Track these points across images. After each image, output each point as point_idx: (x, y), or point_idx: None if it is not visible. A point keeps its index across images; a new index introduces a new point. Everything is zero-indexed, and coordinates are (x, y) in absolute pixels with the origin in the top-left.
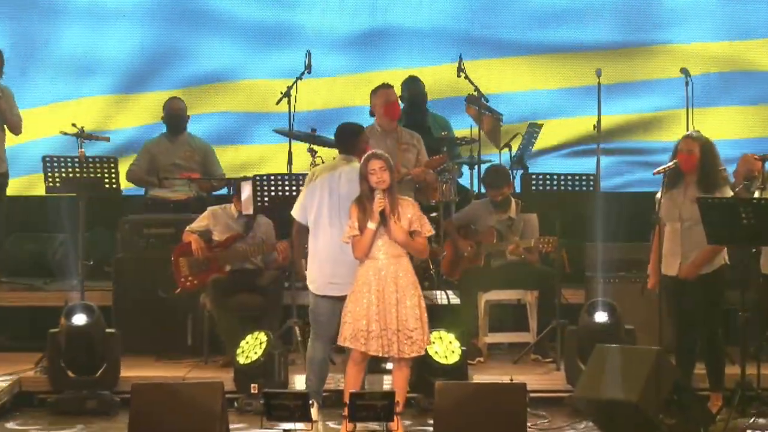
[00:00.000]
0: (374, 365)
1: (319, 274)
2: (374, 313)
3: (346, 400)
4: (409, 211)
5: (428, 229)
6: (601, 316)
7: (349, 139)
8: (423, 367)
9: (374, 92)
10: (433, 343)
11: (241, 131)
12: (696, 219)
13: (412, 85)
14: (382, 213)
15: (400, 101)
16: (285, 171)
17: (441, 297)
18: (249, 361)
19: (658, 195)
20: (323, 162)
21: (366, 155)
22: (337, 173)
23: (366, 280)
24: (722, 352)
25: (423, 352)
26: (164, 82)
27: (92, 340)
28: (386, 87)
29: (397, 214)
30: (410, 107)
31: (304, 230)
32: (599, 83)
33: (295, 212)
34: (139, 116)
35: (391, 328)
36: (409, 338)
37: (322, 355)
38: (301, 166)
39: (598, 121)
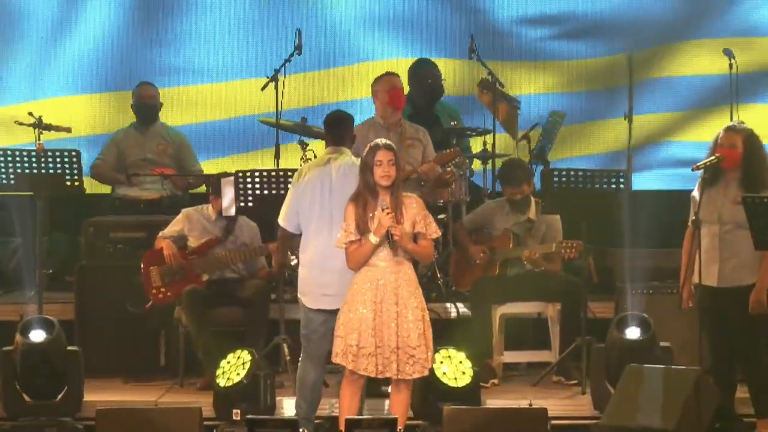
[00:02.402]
0: (374, 388)
1: (312, 285)
2: (369, 327)
3: (342, 427)
4: (413, 211)
5: (434, 231)
6: (632, 332)
7: (339, 127)
8: (429, 390)
9: (378, 80)
10: (441, 362)
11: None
12: (738, 222)
13: (419, 67)
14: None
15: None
16: (272, 166)
17: (450, 310)
18: (230, 383)
19: (695, 193)
20: (315, 156)
21: (372, 144)
22: (328, 167)
23: (361, 290)
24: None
25: (426, 373)
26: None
27: (52, 360)
28: (391, 74)
29: (400, 214)
30: (416, 90)
31: (291, 239)
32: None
33: (282, 218)
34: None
35: (389, 346)
36: (410, 357)
37: (314, 376)
38: (291, 161)
39: (630, 111)
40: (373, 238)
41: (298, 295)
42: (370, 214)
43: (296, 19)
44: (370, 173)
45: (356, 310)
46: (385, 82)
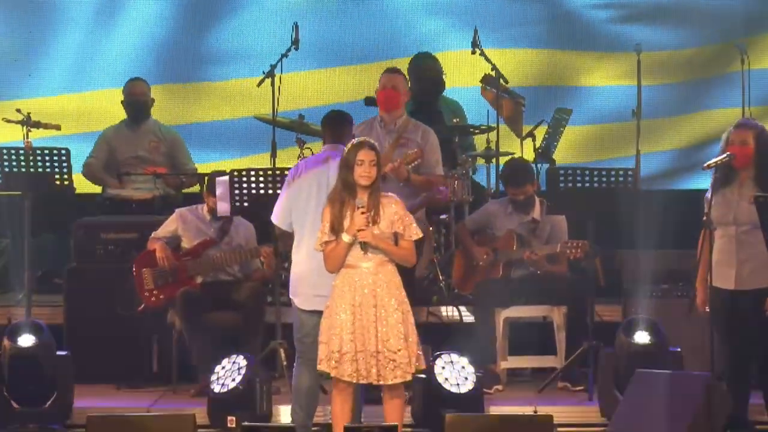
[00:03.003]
0: (372, 394)
1: (304, 286)
2: (348, 332)
3: None
4: (391, 210)
5: (414, 232)
6: (641, 337)
7: (339, 125)
8: (430, 397)
9: (381, 75)
10: (443, 368)
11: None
12: (755, 222)
13: (419, 61)
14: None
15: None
16: (268, 165)
17: (452, 314)
18: (225, 389)
19: (708, 194)
20: (313, 154)
21: (356, 141)
22: (326, 166)
23: (341, 293)
24: None
25: (409, 378)
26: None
27: (41, 365)
28: (390, 72)
29: (377, 215)
30: (418, 86)
31: (288, 237)
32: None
33: (276, 216)
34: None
35: (368, 350)
36: (391, 361)
37: (309, 382)
38: (288, 160)
39: (638, 105)
40: (346, 237)
41: (290, 297)
42: (348, 214)
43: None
44: (350, 171)
45: (337, 314)
46: (382, 79)
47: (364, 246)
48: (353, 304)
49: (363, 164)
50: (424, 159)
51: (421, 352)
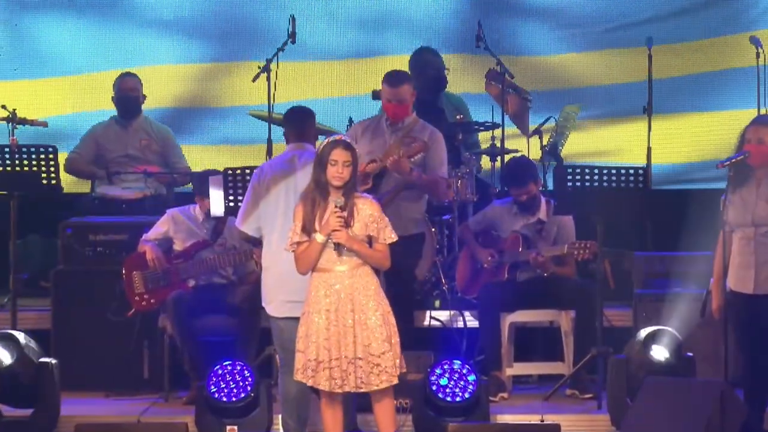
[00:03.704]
0: (366, 402)
1: (276, 292)
2: (323, 338)
3: None
4: (365, 213)
5: (387, 236)
6: (659, 352)
7: (301, 122)
8: (432, 406)
9: (383, 81)
10: (445, 375)
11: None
12: None
13: (420, 56)
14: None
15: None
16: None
17: (455, 318)
18: (220, 397)
19: (724, 196)
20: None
21: (331, 139)
22: (291, 166)
23: (316, 298)
24: None
25: (395, 381)
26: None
27: (24, 371)
28: (391, 84)
29: (351, 217)
30: (418, 82)
31: (257, 243)
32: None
33: (241, 222)
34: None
35: (346, 357)
36: (376, 366)
37: (296, 389)
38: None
39: (649, 103)
40: (319, 237)
41: (263, 304)
42: (318, 213)
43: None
44: (323, 170)
45: (312, 321)
46: (385, 92)
47: (338, 247)
48: (328, 309)
49: (336, 164)
50: (429, 159)
51: (401, 355)
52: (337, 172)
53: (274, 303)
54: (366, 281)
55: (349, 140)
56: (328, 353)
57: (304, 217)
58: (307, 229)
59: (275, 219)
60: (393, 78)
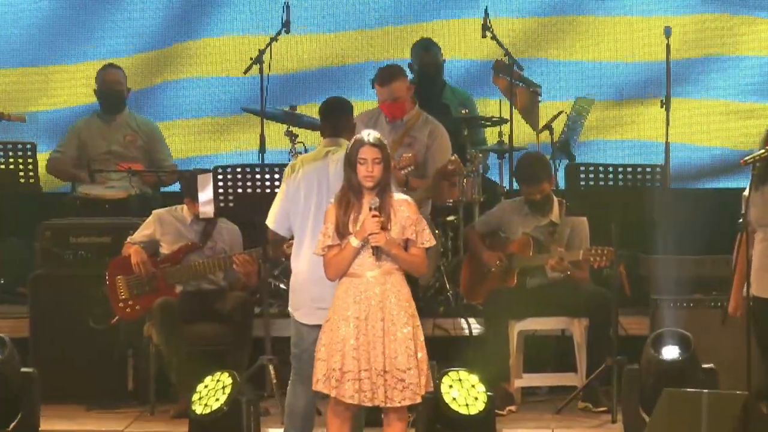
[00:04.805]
0: (374, 416)
1: (305, 297)
2: (352, 348)
3: None
4: (403, 215)
5: (427, 239)
6: (670, 352)
7: (337, 116)
8: (437, 419)
9: (378, 76)
10: (450, 387)
11: (198, 106)
12: None
13: (423, 53)
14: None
15: (409, 71)
16: (256, 161)
17: (461, 326)
18: (209, 410)
19: (747, 193)
20: (306, 149)
21: (357, 137)
22: (325, 162)
23: (343, 304)
24: None
25: (418, 400)
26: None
27: (4, 383)
28: (382, 82)
29: (388, 219)
30: (420, 80)
31: (282, 243)
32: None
33: (272, 221)
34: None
35: (375, 369)
36: (400, 381)
37: (305, 402)
38: (278, 156)
39: (667, 99)
40: (354, 241)
41: (290, 309)
42: (352, 216)
43: None
44: (353, 171)
45: (338, 328)
46: (378, 92)
47: (377, 252)
48: (357, 317)
49: (365, 163)
50: (431, 159)
51: (429, 373)
52: (367, 171)
53: (304, 308)
54: (399, 289)
55: (379, 135)
56: (357, 364)
57: (337, 219)
58: (341, 233)
59: (306, 220)
60: (383, 76)
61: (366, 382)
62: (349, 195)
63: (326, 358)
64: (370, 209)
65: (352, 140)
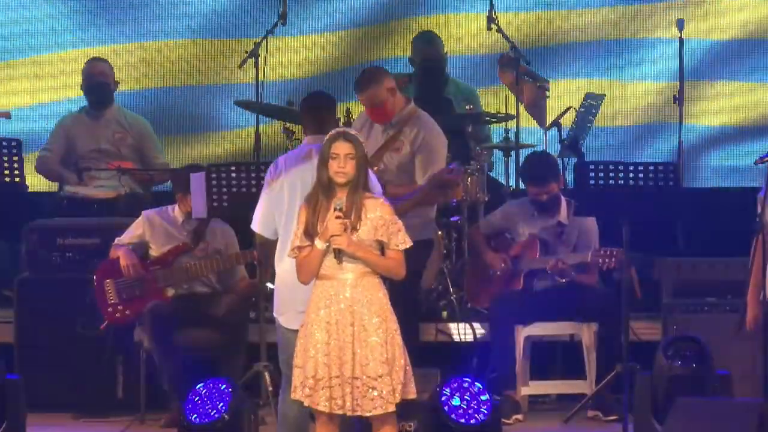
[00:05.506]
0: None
1: (290, 302)
2: (323, 353)
3: None
4: (376, 215)
5: (402, 241)
6: (684, 358)
7: (319, 111)
8: (440, 427)
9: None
10: (454, 395)
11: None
12: None
13: (425, 47)
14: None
15: (410, 64)
16: (251, 158)
17: (464, 331)
18: (202, 419)
19: (762, 193)
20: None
21: (333, 132)
22: (310, 162)
23: (316, 308)
24: None
25: (391, 409)
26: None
27: None
28: (359, 91)
29: (358, 218)
30: (422, 75)
31: (272, 246)
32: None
33: (257, 223)
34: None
35: (344, 375)
36: (370, 389)
37: (298, 410)
38: (274, 153)
39: (681, 91)
40: (319, 243)
41: (274, 315)
42: (320, 216)
43: None
44: (325, 167)
45: (312, 333)
46: (359, 98)
47: (339, 254)
48: (328, 321)
49: (337, 158)
50: (418, 164)
51: (411, 379)
52: (339, 166)
53: (288, 314)
54: (371, 293)
55: (354, 132)
56: (328, 370)
57: (307, 219)
58: (310, 234)
59: (291, 222)
60: (357, 83)
61: (337, 389)
62: (320, 194)
63: (302, 365)
64: (335, 210)
65: (328, 135)
